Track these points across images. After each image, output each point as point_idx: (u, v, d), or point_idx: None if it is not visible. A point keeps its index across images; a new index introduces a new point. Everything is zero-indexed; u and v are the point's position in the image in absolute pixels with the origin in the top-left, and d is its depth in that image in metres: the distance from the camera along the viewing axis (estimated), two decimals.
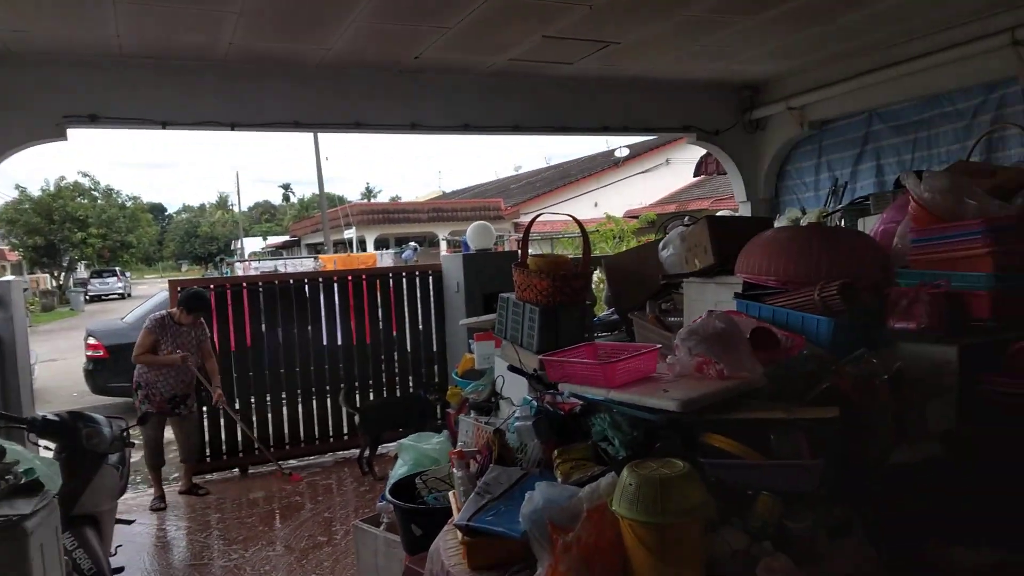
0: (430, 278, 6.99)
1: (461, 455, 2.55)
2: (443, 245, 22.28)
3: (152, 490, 5.77)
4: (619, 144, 22.13)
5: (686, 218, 4.66)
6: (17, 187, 32.71)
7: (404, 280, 6.94)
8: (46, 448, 3.83)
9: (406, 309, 6.95)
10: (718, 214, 9.38)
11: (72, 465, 3.41)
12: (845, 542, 1.65)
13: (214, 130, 5.73)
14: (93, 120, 5.32)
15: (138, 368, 5.63)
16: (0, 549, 2.01)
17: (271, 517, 5.18)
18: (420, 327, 6.98)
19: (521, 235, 3.93)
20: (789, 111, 6.82)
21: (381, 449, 6.09)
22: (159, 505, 5.56)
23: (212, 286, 6.35)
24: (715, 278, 3.15)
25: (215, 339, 6.11)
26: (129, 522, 4.50)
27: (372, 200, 56.24)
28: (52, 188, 33.01)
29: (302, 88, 5.89)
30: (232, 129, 5.71)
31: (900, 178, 3.47)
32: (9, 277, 7.39)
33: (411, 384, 6.94)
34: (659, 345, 2.33)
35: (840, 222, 4.74)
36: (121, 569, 3.95)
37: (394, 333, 6.91)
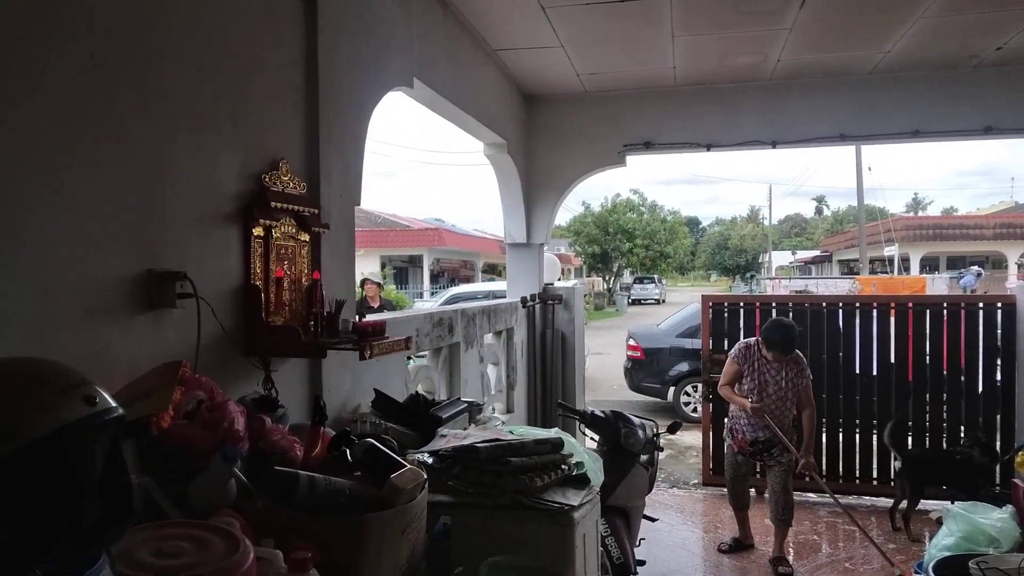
0: (999, 312, 5.76)
1: None
2: (1012, 269, 18.47)
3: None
4: None
5: None
6: (583, 203, 39.04)
7: (963, 312, 5.87)
8: (591, 439, 4.37)
9: (962, 345, 5.87)
10: None
11: (610, 460, 3.78)
12: None
13: (756, 149, 5.76)
14: (648, 147, 5.88)
15: None
16: (551, 532, 2.29)
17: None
18: (980, 369, 5.83)
19: None
20: None
21: (920, 505, 5.28)
22: (726, 547, 4.88)
23: (742, 303, 6.41)
24: None
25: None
26: (654, 519, 4.83)
27: (920, 213, 50.23)
28: (609, 204, 38.36)
29: (849, 98, 5.52)
30: (774, 147, 5.66)
31: None
32: (572, 281, 8.71)
33: (961, 436, 5.85)
34: None
35: None
36: (643, 562, 4.24)
37: (944, 372, 5.92)
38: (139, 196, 1.87)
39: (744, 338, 6.17)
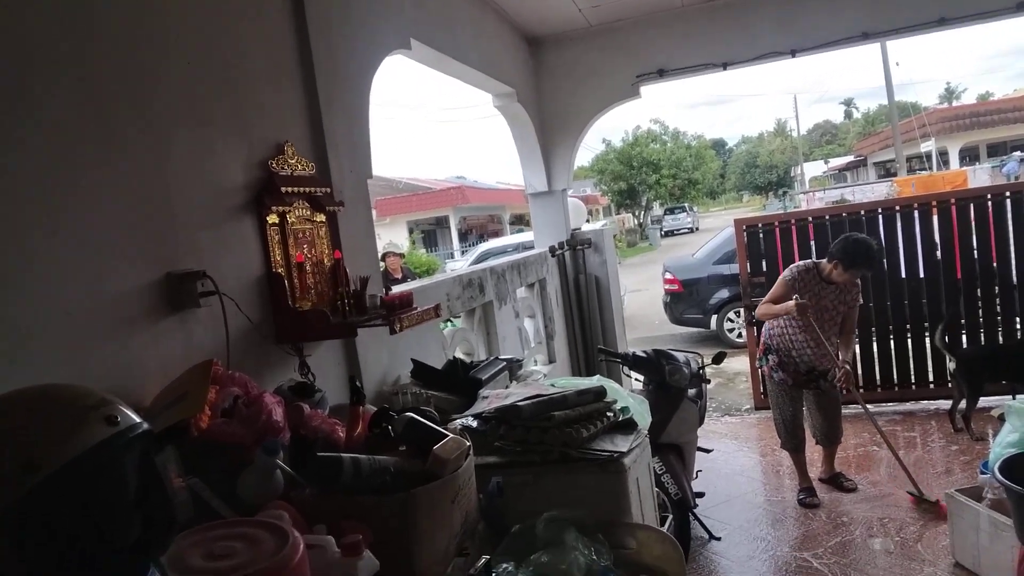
0: None
1: None
2: None
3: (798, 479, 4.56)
4: None
5: None
6: (604, 140, 38.32)
7: (1008, 202, 5.63)
8: (636, 380, 4.34)
9: (1011, 236, 5.66)
10: None
11: (658, 399, 3.76)
12: None
13: (774, 61, 5.52)
14: (661, 75, 5.69)
15: (768, 327, 4.47)
16: (603, 480, 2.28)
17: (846, 461, 4.89)
18: None
19: None
20: None
21: (980, 403, 5.17)
22: (809, 500, 4.35)
23: (777, 222, 6.24)
24: None
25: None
26: (708, 451, 4.83)
27: (954, 103, 48.19)
28: (630, 138, 37.57)
29: None
30: (792, 56, 5.41)
31: None
32: (600, 223, 8.60)
33: (1019, 328, 5.69)
34: None
35: None
36: (702, 494, 4.26)
37: (994, 265, 5.72)
38: (146, 201, 1.85)
39: (781, 257, 6.07)
